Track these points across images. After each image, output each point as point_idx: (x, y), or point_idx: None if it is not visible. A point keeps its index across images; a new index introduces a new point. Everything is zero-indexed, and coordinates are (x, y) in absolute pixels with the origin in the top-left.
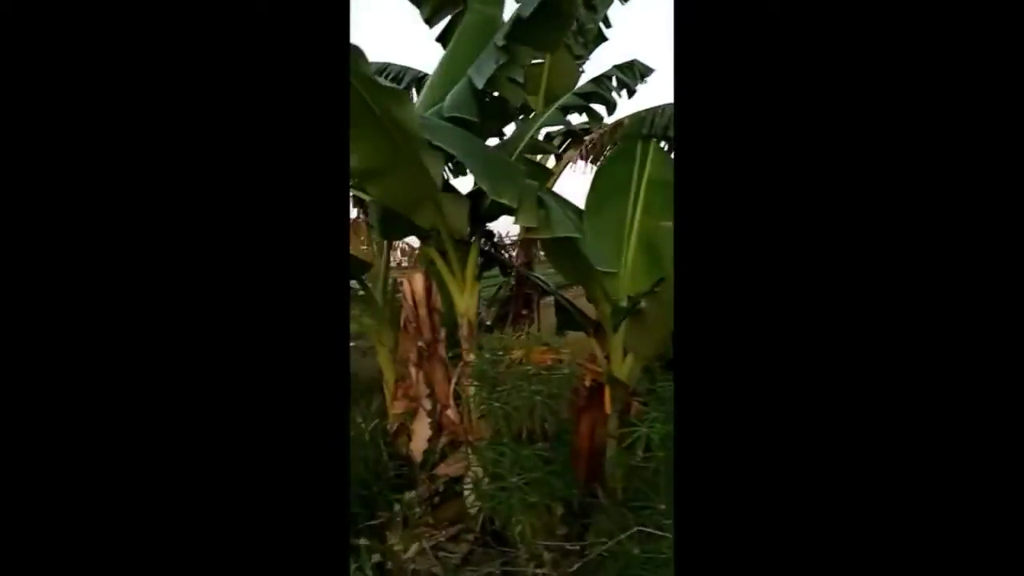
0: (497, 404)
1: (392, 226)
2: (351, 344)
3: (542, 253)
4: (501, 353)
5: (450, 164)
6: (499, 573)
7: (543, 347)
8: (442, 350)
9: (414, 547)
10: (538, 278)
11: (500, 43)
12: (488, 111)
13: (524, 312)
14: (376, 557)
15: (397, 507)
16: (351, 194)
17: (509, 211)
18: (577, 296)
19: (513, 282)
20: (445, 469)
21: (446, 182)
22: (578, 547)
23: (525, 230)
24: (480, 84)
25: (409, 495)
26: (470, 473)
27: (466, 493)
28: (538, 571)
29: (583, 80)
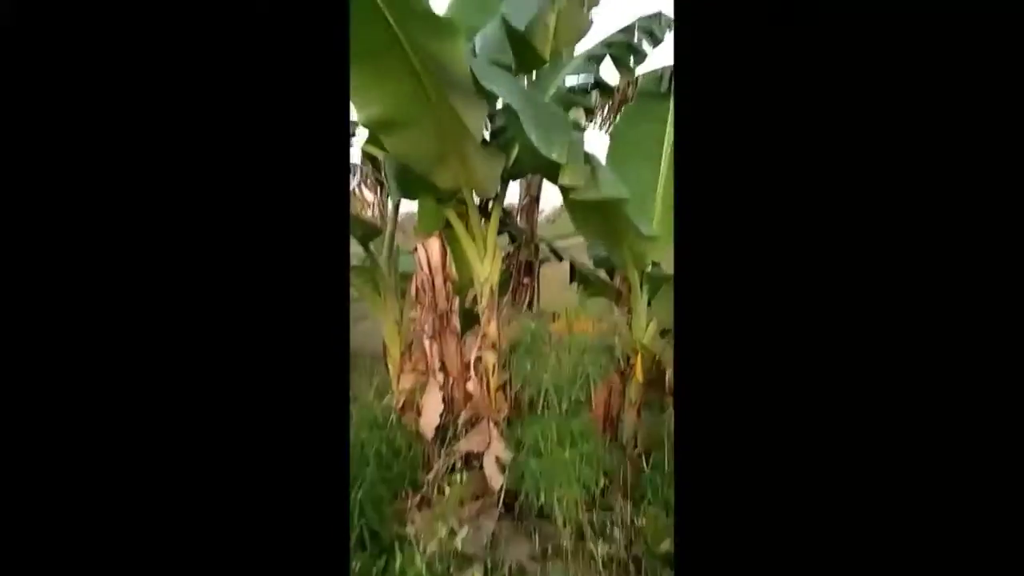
0: (546, 375)
1: (411, 185)
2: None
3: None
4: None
5: None
6: (549, 548)
7: (584, 317)
8: (456, 320)
9: (463, 531)
10: (551, 245)
11: None
12: (520, 57)
13: (525, 280)
14: (432, 547)
15: (423, 488)
16: (361, 149)
17: (543, 168)
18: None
19: (515, 248)
20: (466, 445)
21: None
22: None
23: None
24: (523, 24)
25: (447, 475)
26: (503, 449)
27: (491, 469)
28: (605, 547)
29: (592, 32)
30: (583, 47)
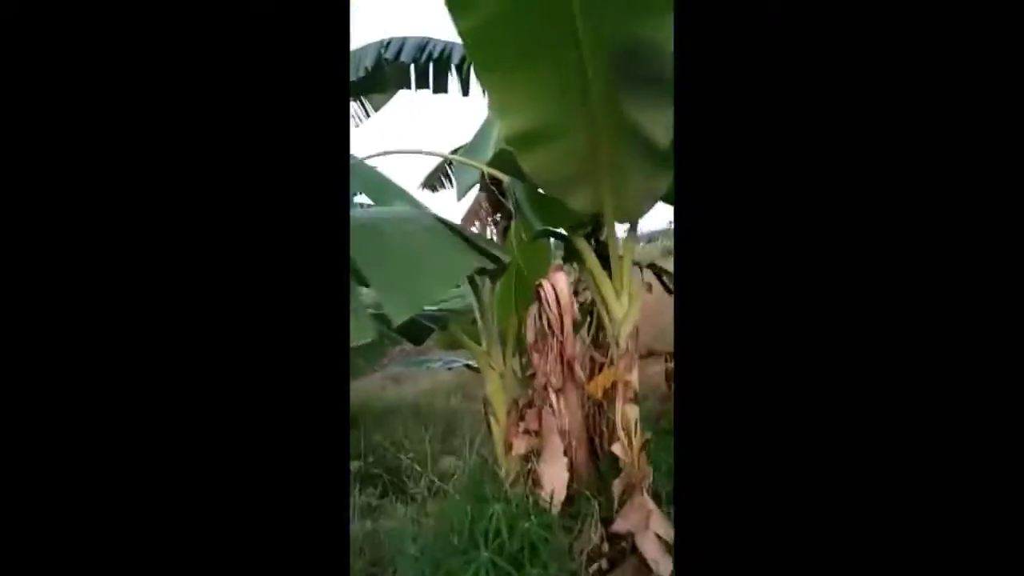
0: None
1: (550, 211)
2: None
3: None
4: None
5: None
6: None
7: None
8: (580, 369)
9: None
10: (659, 270)
11: None
12: None
13: None
14: None
15: None
16: (485, 172)
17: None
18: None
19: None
20: (624, 524)
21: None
22: None
23: None
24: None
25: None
26: (665, 524)
27: (654, 551)
28: None
29: None
30: None
